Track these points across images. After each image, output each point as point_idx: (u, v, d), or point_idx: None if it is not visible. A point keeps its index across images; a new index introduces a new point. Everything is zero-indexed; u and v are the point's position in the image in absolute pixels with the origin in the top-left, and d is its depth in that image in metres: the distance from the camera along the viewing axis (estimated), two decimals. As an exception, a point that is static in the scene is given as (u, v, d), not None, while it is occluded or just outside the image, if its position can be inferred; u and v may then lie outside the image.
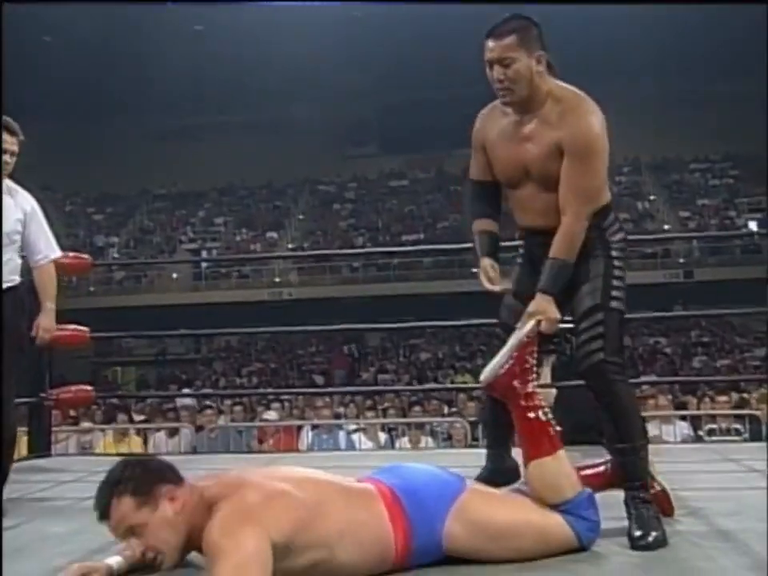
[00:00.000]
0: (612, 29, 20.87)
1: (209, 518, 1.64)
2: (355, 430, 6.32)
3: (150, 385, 19.19)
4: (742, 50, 21.28)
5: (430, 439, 6.02)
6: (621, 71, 23.82)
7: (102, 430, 6.86)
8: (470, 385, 9.54)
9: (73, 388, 4.15)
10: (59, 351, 4.09)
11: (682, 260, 20.73)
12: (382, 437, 6.36)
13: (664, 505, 2.16)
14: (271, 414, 7.24)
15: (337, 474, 1.89)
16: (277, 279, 22.37)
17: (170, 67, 22.31)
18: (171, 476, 1.77)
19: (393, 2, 21.16)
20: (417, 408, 6.74)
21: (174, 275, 22.71)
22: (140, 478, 1.74)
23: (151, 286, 22.30)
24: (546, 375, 4.04)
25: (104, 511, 1.73)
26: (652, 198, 24.30)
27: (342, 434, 6.39)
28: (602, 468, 2.20)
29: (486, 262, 2.26)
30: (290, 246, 23.75)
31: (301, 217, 26.15)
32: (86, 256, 4.42)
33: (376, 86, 24.80)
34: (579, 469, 2.12)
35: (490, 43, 2.10)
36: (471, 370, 15.64)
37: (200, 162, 25.17)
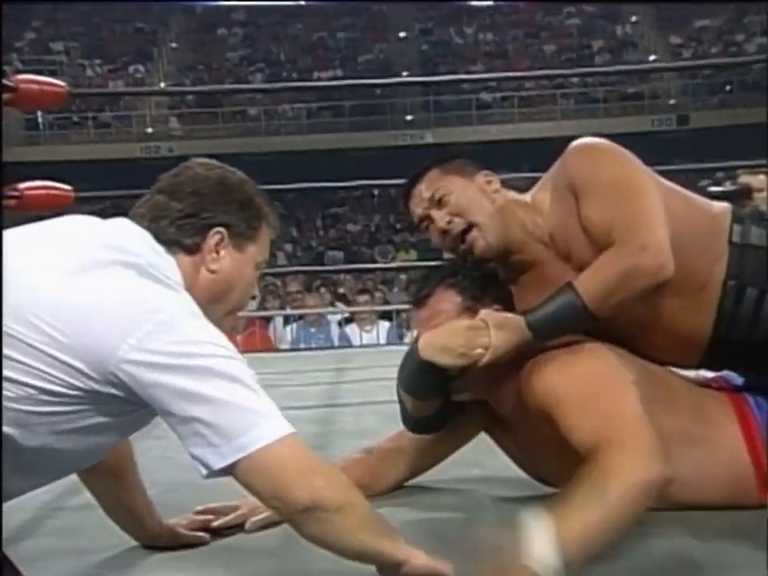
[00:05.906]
0: None
1: None
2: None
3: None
4: None
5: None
6: None
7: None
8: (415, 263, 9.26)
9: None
10: None
11: (673, 101, 20.67)
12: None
13: None
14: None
15: None
16: (150, 130, 21.05)
17: None
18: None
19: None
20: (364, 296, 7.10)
21: (-4, 124, 20.96)
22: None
23: (-38, 139, 20.57)
24: None
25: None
26: (634, 19, 23.76)
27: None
28: None
29: None
30: (162, 84, 22.27)
31: (174, 45, 24.52)
32: None
33: None
34: None
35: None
36: (416, 244, 15.26)
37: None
